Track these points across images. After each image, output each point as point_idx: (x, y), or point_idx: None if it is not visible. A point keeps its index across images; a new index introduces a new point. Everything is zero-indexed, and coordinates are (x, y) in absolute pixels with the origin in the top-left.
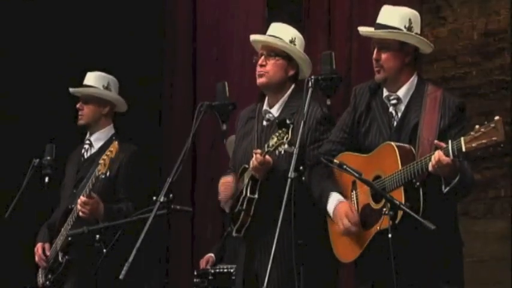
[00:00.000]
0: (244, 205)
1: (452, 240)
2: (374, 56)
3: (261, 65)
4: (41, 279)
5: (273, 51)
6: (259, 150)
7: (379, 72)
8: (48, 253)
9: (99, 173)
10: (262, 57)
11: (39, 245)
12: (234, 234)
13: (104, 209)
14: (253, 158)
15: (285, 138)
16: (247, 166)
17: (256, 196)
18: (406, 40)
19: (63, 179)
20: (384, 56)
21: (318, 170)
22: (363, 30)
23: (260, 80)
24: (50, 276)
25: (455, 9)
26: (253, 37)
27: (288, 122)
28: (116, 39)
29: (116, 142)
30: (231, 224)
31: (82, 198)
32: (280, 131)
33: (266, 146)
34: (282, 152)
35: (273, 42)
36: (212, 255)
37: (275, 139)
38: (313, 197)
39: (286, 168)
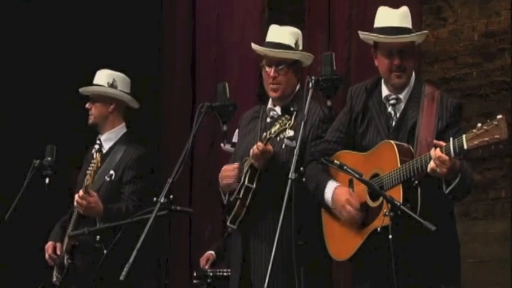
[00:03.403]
0: (241, 194)
1: (450, 240)
2: (397, 62)
3: (274, 77)
4: (54, 276)
5: (283, 62)
6: (265, 134)
7: (400, 77)
8: (59, 253)
9: (87, 182)
10: (273, 70)
11: (49, 244)
12: (228, 224)
13: (104, 209)
14: (255, 146)
15: (288, 124)
16: (247, 158)
17: (253, 186)
18: (419, 40)
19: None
20: (407, 60)
21: (314, 165)
22: (366, 37)
23: (274, 95)
24: (58, 276)
25: (456, 10)
26: (258, 49)
27: (291, 108)
28: (115, 39)
29: (99, 154)
30: (226, 214)
31: (80, 193)
32: (283, 118)
33: (268, 132)
34: (283, 146)
35: (283, 56)
36: (212, 252)
37: (278, 125)
38: (309, 190)
39: (285, 160)
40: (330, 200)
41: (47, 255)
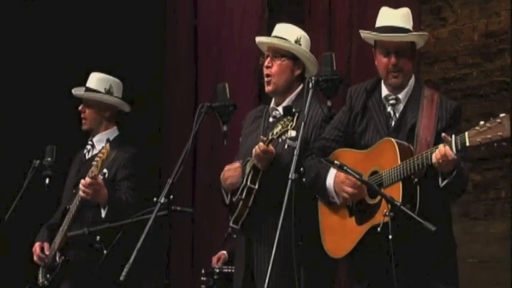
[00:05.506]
0: (244, 195)
1: (447, 239)
2: (393, 61)
3: (267, 67)
4: (41, 278)
5: (279, 52)
6: (264, 138)
7: (397, 77)
8: (47, 252)
9: (92, 174)
10: (268, 59)
11: (36, 244)
12: (231, 224)
13: (108, 193)
14: (257, 147)
15: (290, 125)
16: (250, 158)
17: (256, 187)
18: (419, 41)
19: (66, 180)
20: (403, 60)
21: (312, 158)
22: (366, 35)
23: (268, 88)
24: (48, 275)
25: (456, 10)
26: (258, 39)
27: (293, 110)
28: (116, 40)
29: (108, 144)
30: (229, 214)
31: (87, 179)
32: (285, 119)
33: (270, 134)
34: (286, 146)
35: (277, 43)
36: (225, 252)
37: (280, 127)
38: (308, 180)
39: (288, 161)
40: (332, 187)
41: (35, 256)
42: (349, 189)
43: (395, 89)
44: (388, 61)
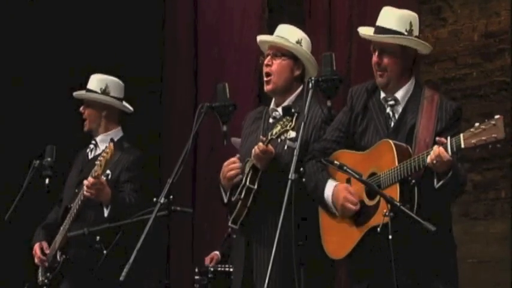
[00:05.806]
0: (243, 194)
1: (446, 240)
2: (375, 59)
3: (267, 65)
4: (40, 277)
5: (279, 51)
6: (263, 138)
7: (381, 76)
8: (47, 251)
9: (95, 173)
10: (269, 57)
11: (36, 246)
12: (229, 224)
13: (111, 193)
14: (256, 147)
15: (289, 125)
16: (249, 158)
17: (255, 187)
18: (408, 45)
19: (66, 179)
20: (386, 60)
21: (313, 164)
22: (364, 33)
23: (267, 88)
24: (48, 274)
25: (456, 10)
26: (260, 38)
27: (293, 110)
28: (116, 40)
29: (112, 143)
30: (228, 214)
31: (90, 179)
32: (284, 119)
33: (270, 134)
34: (285, 148)
35: (278, 42)
36: (217, 253)
37: (279, 127)
38: (308, 189)
39: (287, 162)
40: (330, 199)
41: (36, 258)
42: (351, 208)
43: (385, 89)
44: (375, 59)
